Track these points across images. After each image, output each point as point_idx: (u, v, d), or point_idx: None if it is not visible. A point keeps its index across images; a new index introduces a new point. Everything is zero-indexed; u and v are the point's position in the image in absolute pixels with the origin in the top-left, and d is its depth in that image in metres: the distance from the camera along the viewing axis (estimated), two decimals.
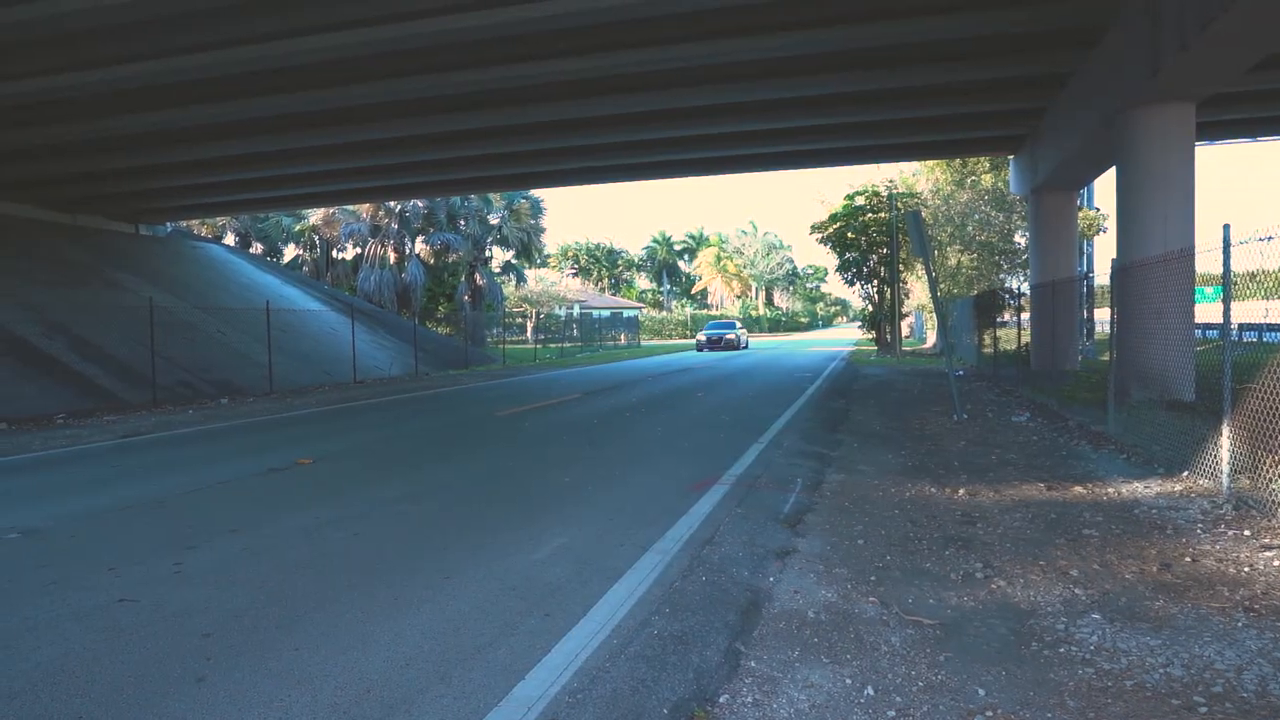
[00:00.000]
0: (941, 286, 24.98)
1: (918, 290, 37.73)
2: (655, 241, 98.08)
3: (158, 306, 17.02)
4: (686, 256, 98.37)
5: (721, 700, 3.16)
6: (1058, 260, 17.27)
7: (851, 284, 35.67)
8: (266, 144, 16.39)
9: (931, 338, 39.03)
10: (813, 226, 35.15)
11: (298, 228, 40.95)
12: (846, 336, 60.19)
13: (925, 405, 13.32)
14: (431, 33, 10.94)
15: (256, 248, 41.15)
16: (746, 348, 39.74)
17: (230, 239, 40.29)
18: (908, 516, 5.93)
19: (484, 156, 18.44)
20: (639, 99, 14.27)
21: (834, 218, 34.05)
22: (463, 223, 40.25)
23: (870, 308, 36.53)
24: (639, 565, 4.81)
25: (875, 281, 34.59)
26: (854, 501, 6.44)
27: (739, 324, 42.95)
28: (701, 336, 39.28)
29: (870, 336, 39.28)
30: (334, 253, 41.15)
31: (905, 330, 42.56)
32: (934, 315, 30.37)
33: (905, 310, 39.60)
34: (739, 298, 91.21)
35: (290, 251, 42.72)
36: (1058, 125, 15.01)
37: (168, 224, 26.01)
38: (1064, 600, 4.15)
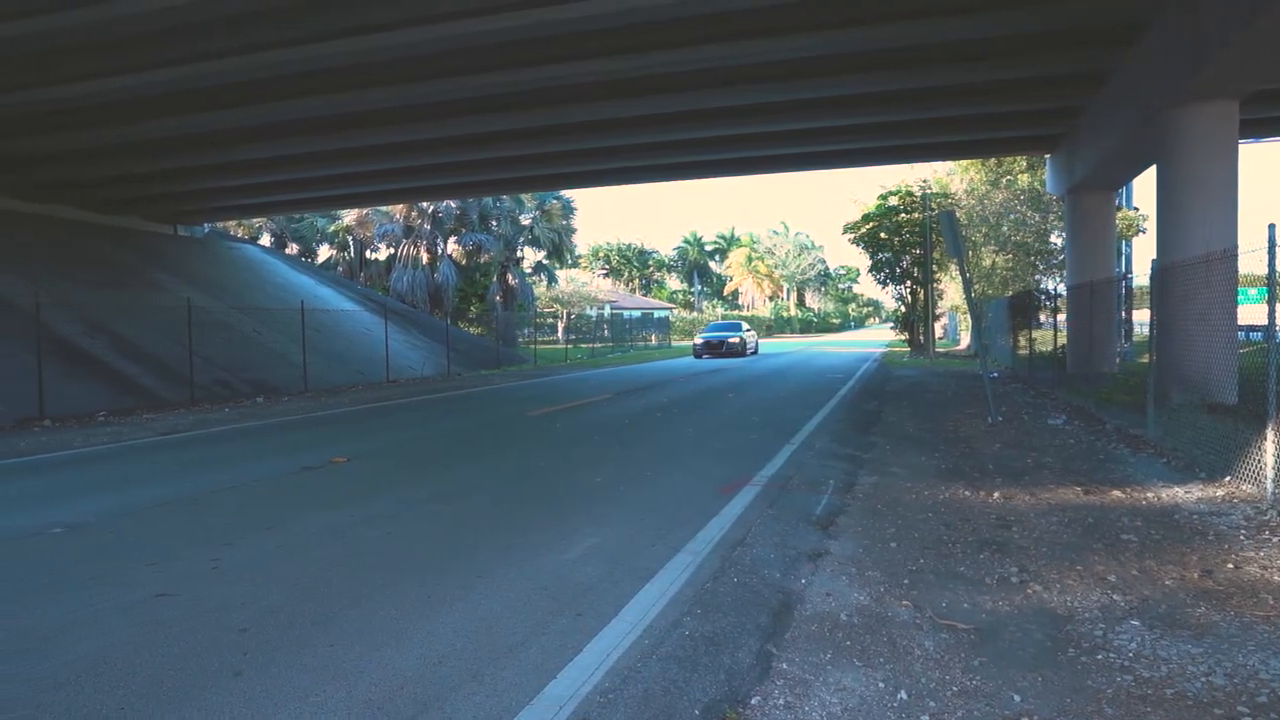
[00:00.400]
0: (976, 287, 24.70)
1: (951, 291, 37.35)
2: (686, 242, 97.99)
3: (195, 306, 17.31)
4: (718, 257, 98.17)
5: (753, 702, 3.15)
6: (1095, 261, 16.98)
7: (884, 285, 35.36)
8: (299, 146, 16.59)
9: (965, 339, 38.60)
10: (845, 227, 34.91)
11: (332, 228, 41.46)
12: (879, 338, 59.74)
13: (959, 407, 13.18)
14: (464, 35, 11.00)
15: (291, 248, 41.72)
16: (755, 353, 34.15)
17: (266, 240, 40.89)
18: (941, 520, 5.87)
19: (515, 158, 18.53)
20: (668, 100, 14.26)
21: (867, 218, 33.79)
22: (495, 223, 40.49)
23: (903, 309, 36.19)
24: (670, 566, 4.80)
25: (908, 282, 34.27)
26: (887, 504, 6.38)
27: (745, 326, 36.48)
28: (698, 340, 33.25)
29: (903, 338, 38.88)
30: (367, 253, 41.60)
31: (939, 331, 41.96)
32: (968, 316, 30.03)
33: (939, 311, 38.89)
34: (770, 298, 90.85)
35: (324, 252, 43.27)
36: (1096, 124, 14.78)
37: (205, 225, 26.43)
38: (1102, 606, 4.08)
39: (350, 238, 40.80)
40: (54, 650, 3.68)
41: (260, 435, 11.45)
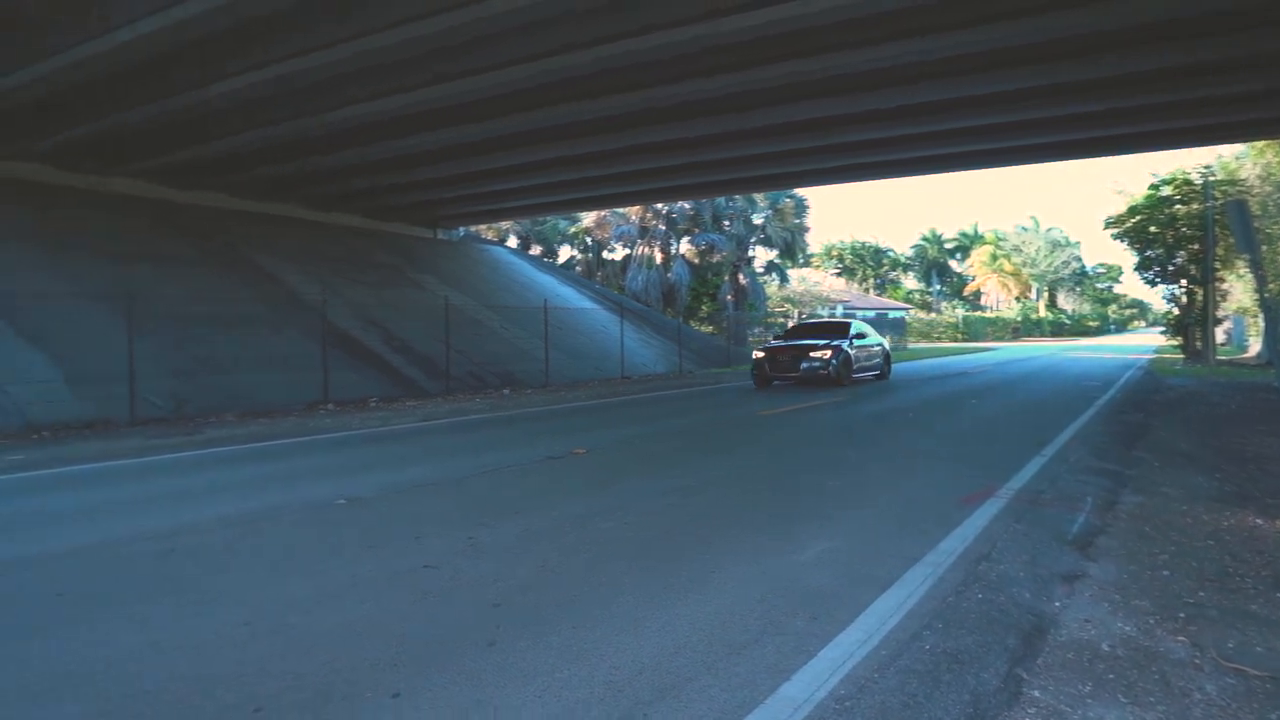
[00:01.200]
0: (1271, 286, 21.58)
1: (1238, 290, 32.96)
2: (925, 240, 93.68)
3: (451, 305, 18.87)
4: (958, 255, 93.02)
5: None
6: None
7: (1153, 284, 31.73)
8: (545, 152, 17.59)
9: (1255, 346, 33.87)
10: (1107, 221, 31.74)
11: (572, 230, 43.62)
12: (1144, 343, 53.86)
13: (1246, 423, 11.61)
14: (709, 34, 11.13)
15: (535, 249, 44.34)
16: (879, 373, 20.65)
17: (513, 241, 43.73)
18: (1225, 549, 5.20)
19: (747, 157, 18.57)
20: (907, 91, 13.68)
21: (1133, 210, 30.51)
22: (727, 223, 40.80)
23: (1175, 311, 32.34)
24: (908, 577, 4.61)
25: (1183, 281, 30.55)
26: (1156, 527, 5.75)
27: (864, 328, 20.86)
28: (758, 354, 19.34)
29: (1175, 343, 34.66)
30: (604, 253, 43.37)
31: (1219, 337, 36.92)
32: (1259, 320, 26.24)
33: (1220, 314, 34.08)
34: (1017, 299, 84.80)
35: (565, 253, 45.61)
36: None
37: (460, 229, 28.74)
38: None
39: (589, 239, 42.73)
40: (341, 607, 4.15)
41: (507, 425, 12.28)
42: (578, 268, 42.35)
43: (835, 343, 18.40)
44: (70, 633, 3.84)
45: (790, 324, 43.95)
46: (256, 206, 20.43)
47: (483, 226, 37.62)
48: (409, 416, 13.08)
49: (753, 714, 3.00)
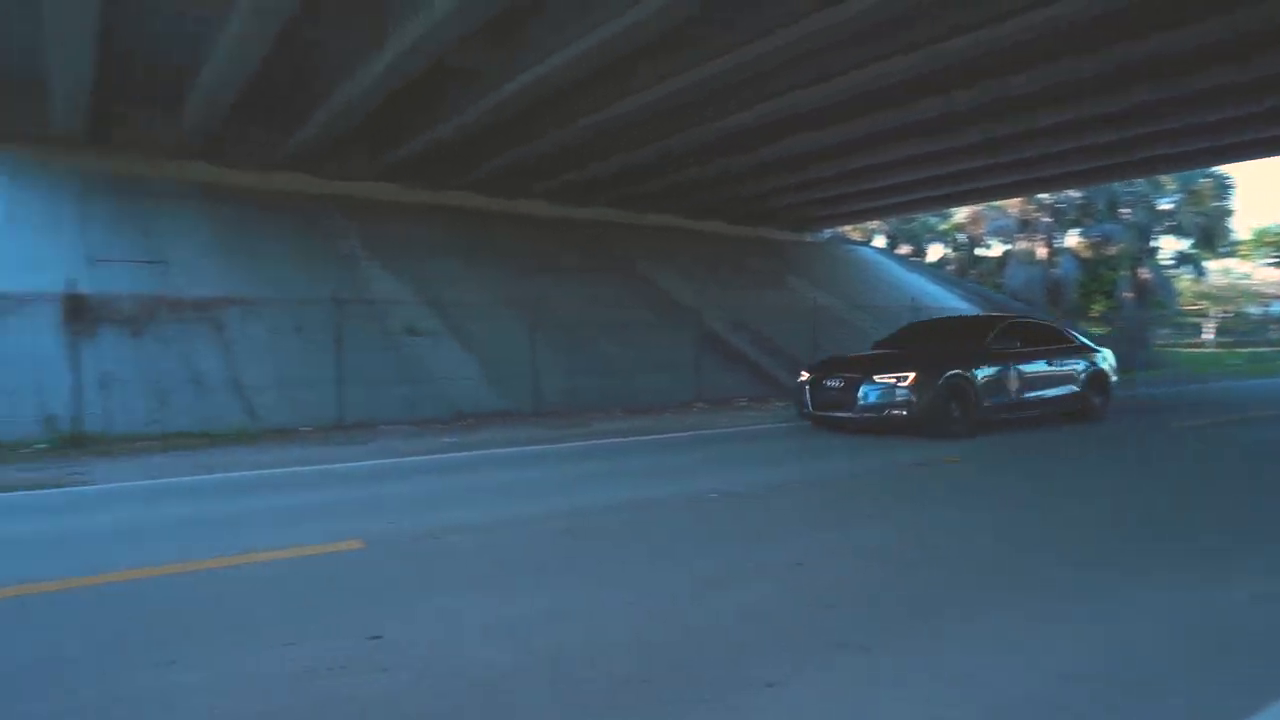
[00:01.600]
0: None
1: None
2: None
3: (818, 305, 18.91)
4: None
5: None
6: None
7: None
8: (913, 148, 16.96)
9: None
10: None
11: (942, 227, 41.52)
12: None
13: None
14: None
15: (903, 248, 42.87)
16: (1082, 406, 11.84)
17: (879, 241, 42.70)
18: None
19: (1151, 134, 16.31)
20: None
21: None
22: (1125, 211, 36.14)
23: None
24: None
25: None
26: None
27: (1027, 325, 12.26)
28: (804, 375, 11.45)
29: None
30: (978, 250, 40.71)
31: None
32: None
33: None
34: None
35: (935, 250, 43.54)
36: None
37: (826, 230, 28.69)
38: None
39: (961, 235, 40.39)
40: (717, 596, 4.31)
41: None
42: (950, 266, 40.21)
43: (940, 363, 10.31)
44: (490, 593, 4.44)
45: (1209, 324, 37.58)
46: (639, 219, 22.20)
47: (849, 227, 37.26)
48: (774, 416, 13.35)
49: None
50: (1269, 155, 19.67)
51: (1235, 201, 38.59)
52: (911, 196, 23.65)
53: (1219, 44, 11.85)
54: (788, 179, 19.80)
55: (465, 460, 9.34)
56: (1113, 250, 35.73)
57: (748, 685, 3.20)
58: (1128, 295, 35.44)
